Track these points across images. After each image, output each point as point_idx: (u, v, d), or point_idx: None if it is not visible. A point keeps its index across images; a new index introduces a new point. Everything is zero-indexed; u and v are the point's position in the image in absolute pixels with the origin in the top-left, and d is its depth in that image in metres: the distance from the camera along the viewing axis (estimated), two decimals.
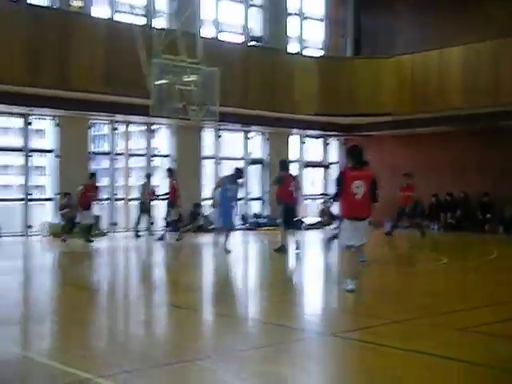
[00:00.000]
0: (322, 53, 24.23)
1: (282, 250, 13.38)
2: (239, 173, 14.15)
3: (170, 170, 17.81)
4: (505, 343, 5.97)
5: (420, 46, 20.93)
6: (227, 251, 13.45)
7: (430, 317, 7.25)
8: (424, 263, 13.05)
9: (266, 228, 21.01)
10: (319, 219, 22.79)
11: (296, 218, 13.68)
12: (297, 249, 13.65)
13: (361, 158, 8.54)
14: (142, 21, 19.20)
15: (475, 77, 18.90)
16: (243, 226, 21.36)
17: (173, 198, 17.21)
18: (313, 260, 14.10)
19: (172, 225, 17.56)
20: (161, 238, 16.97)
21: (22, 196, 18.31)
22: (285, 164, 14.34)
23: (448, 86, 19.52)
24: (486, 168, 20.73)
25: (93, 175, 16.90)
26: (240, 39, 21.82)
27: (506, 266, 12.47)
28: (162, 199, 17.97)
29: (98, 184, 17.32)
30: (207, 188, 21.68)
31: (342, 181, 8.49)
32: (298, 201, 13.92)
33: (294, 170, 23.92)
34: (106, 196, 20.06)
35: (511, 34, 18.50)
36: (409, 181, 17.78)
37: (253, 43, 21.97)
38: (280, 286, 9.91)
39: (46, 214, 18.24)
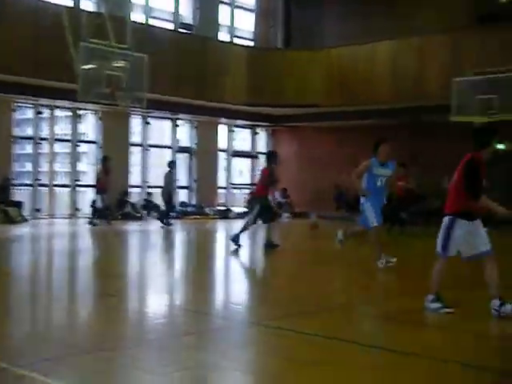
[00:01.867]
0: (252, 43, 24.28)
1: (270, 245, 12.42)
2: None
3: (105, 158, 18.13)
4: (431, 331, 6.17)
5: (349, 39, 21.27)
6: (388, 261, 9.82)
7: (358, 306, 7.43)
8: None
9: (193, 217, 20.96)
10: (246, 209, 22.88)
11: (260, 211, 12.37)
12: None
13: (477, 141, 6.75)
14: (70, 3, 18.75)
15: (402, 71, 19.34)
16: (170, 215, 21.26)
17: (101, 186, 17.37)
18: (243, 251, 14.15)
19: (100, 212, 17.62)
20: (92, 224, 17.07)
21: None
22: (266, 156, 13.31)
23: (375, 79, 19.91)
24: (412, 161, 21.26)
25: None
26: (171, 26, 21.60)
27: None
28: None
29: None
30: (135, 175, 21.46)
31: None
32: (267, 193, 12.48)
33: (223, 159, 24.08)
34: (28, 182, 19.64)
35: (436, 29, 19.06)
36: (402, 171, 15.98)
37: (183, 30, 21.80)
38: (208, 275, 9.92)
39: None
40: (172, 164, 18.38)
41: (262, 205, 12.43)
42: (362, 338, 5.79)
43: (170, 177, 17.86)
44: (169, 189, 17.89)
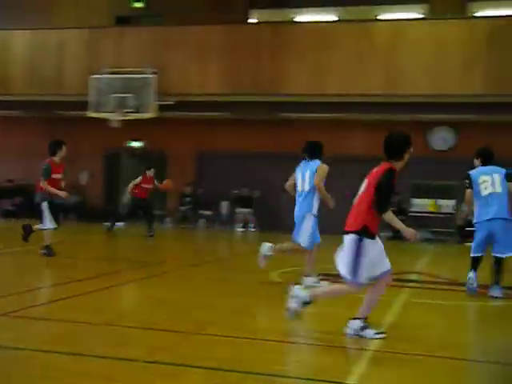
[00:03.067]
0: None
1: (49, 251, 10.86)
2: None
3: None
4: (45, 325, 6.13)
5: None
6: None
7: None
8: None
9: None
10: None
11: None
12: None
13: (391, 150, 5.73)
14: None
15: (41, 64, 18.74)
16: None
17: None
18: None
19: None
20: None
21: None
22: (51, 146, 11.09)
23: (11, 69, 19.00)
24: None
25: None
26: None
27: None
28: None
29: None
30: None
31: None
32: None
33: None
34: None
35: (77, 26, 19.11)
36: (149, 173, 15.74)
37: None
38: None
39: None
40: None
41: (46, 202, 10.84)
42: None
43: None
44: None
